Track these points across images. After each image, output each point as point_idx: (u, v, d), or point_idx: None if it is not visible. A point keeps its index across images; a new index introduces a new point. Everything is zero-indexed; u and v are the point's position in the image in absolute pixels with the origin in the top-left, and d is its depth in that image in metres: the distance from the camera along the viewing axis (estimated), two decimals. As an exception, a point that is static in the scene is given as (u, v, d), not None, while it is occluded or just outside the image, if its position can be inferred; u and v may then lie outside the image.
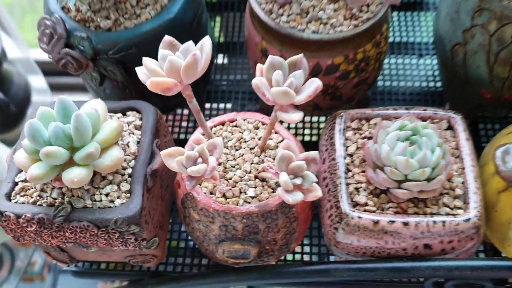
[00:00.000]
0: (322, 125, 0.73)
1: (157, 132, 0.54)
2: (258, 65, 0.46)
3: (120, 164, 0.48)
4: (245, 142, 0.52)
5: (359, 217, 0.48)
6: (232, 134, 0.53)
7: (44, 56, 0.56)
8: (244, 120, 0.54)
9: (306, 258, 0.63)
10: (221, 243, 0.51)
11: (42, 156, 0.44)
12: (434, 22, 0.67)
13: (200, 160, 0.44)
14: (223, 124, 0.54)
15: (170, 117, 0.75)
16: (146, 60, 0.45)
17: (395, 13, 0.82)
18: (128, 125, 0.53)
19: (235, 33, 0.82)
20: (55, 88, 1.31)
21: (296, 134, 0.72)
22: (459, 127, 0.53)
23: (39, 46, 0.54)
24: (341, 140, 0.53)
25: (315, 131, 0.72)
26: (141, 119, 0.54)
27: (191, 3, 0.58)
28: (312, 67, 0.57)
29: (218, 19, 0.85)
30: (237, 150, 0.52)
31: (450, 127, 0.54)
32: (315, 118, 0.73)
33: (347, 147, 0.53)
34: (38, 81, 1.23)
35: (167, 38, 0.47)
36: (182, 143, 0.70)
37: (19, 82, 1.13)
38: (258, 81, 0.44)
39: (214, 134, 0.53)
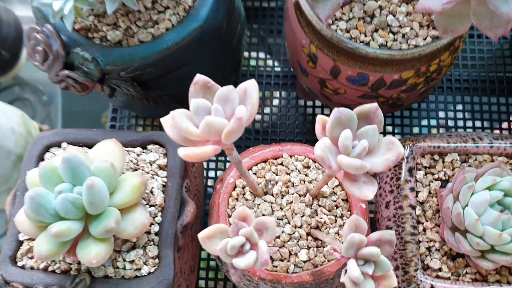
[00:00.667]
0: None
1: (186, 172, 0.44)
2: (319, 118, 0.35)
3: (146, 229, 0.39)
4: (293, 186, 0.43)
5: (432, 287, 0.40)
6: (277, 176, 0.44)
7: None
8: (291, 156, 0.44)
9: None
10: (267, 306, 0.44)
11: (51, 235, 0.36)
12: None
13: (248, 246, 0.35)
14: (265, 161, 0.44)
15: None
16: (175, 115, 0.35)
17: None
18: (151, 165, 0.44)
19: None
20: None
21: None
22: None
23: (31, 63, 0.43)
24: (410, 184, 0.43)
25: None
26: (165, 155, 0.44)
27: (229, 3, 0.45)
28: (373, 82, 0.46)
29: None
30: (283, 197, 0.43)
31: (542, 165, 0.44)
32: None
33: (417, 192, 0.44)
34: (26, 10, 1.09)
35: (199, 79, 0.36)
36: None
37: (8, 20, 0.99)
38: (322, 150, 0.34)
39: (255, 174, 0.44)
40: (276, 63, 0.65)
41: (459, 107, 0.60)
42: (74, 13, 0.38)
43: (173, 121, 0.35)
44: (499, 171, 0.40)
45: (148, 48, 0.42)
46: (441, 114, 0.60)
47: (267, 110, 0.63)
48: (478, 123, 0.59)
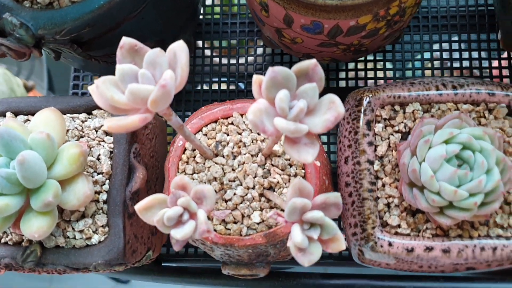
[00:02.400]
0: (341, 75, 0.59)
1: (134, 136, 0.42)
2: (255, 79, 0.33)
3: (89, 200, 0.38)
4: (245, 146, 0.41)
5: (390, 244, 0.39)
6: (228, 136, 0.42)
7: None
8: (242, 115, 0.42)
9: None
10: (225, 266, 0.43)
11: (-12, 212, 0.35)
12: None
13: (186, 216, 0.34)
14: (216, 121, 0.42)
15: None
16: (100, 84, 0.33)
17: None
18: (96, 132, 0.42)
19: None
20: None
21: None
22: (523, 114, 0.41)
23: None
24: (368, 138, 0.41)
25: (332, 84, 0.58)
26: (111, 120, 0.43)
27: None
28: (329, 30, 0.42)
29: None
30: (235, 157, 0.41)
31: (510, 112, 0.41)
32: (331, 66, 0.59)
33: (376, 146, 0.41)
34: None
35: (125, 42, 0.33)
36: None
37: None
38: (255, 114, 0.32)
39: (205, 135, 0.42)
40: (242, 10, 0.61)
41: (436, 46, 0.56)
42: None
43: (98, 90, 0.33)
44: (459, 122, 0.37)
45: (79, 9, 0.39)
46: (418, 56, 0.56)
47: (242, 60, 0.60)
48: (456, 64, 0.55)
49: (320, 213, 0.34)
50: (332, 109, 0.32)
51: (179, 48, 0.33)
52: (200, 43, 0.60)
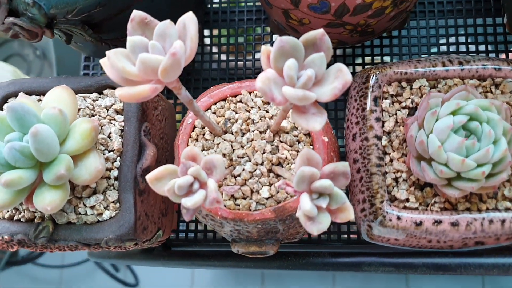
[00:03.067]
0: (348, 60, 0.59)
1: (144, 115, 0.43)
2: (263, 49, 0.34)
3: (101, 174, 0.39)
4: (253, 123, 0.42)
5: (398, 218, 0.39)
6: (236, 114, 0.42)
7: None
8: (250, 93, 0.43)
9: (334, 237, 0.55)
10: (234, 243, 0.44)
11: (3, 185, 0.36)
12: None
13: (196, 185, 0.34)
14: (224, 99, 0.43)
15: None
16: (111, 55, 0.33)
17: None
18: (107, 110, 0.43)
19: None
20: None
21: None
22: (530, 88, 0.41)
23: (-24, 11, 0.41)
24: (376, 114, 0.42)
25: None
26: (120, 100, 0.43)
27: None
28: (335, 8, 0.43)
29: None
30: (244, 134, 0.42)
31: (518, 87, 0.42)
32: (338, 51, 0.60)
33: (384, 122, 0.42)
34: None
35: (136, 15, 0.34)
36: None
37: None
38: (263, 82, 0.32)
39: (214, 114, 0.43)
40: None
41: (442, 31, 0.56)
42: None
43: (109, 62, 0.34)
44: (465, 94, 0.38)
45: (87, -11, 0.40)
46: (424, 40, 0.57)
47: (249, 56, 0.61)
48: (463, 48, 0.56)
49: (329, 181, 0.34)
50: (340, 77, 0.33)
51: (188, 19, 0.33)
52: (206, 32, 0.61)
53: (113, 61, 0.33)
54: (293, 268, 0.46)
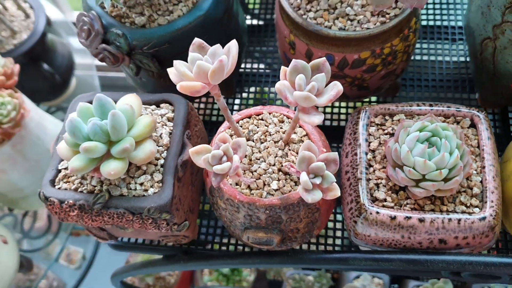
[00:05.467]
0: (350, 111, 0.74)
1: (188, 124, 0.57)
2: (283, 68, 0.48)
3: (153, 157, 0.52)
4: (270, 135, 0.55)
5: (377, 212, 0.50)
6: (258, 127, 0.55)
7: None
8: (270, 113, 0.56)
9: (330, 242, 0.66)
10: (246, 230, 0.54)
11: (82, 150, 0.49)
12: (466, 12, 0.66)
13: (225, 158, 0.47)
14: (249, 117, 0.57)
15: (203, 99, 0.78)
16: (176, 63, 0.48)
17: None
18: (161, 117, 0.57)
19: (268, 14, 0.83)
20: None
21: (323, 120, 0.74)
22: (481, 126, 0.54)
23: (78, 40, 0.58)
24: (364, 136, 0.54)
25: (343, 117, 0.73)
26: (173, 111, 0.58)
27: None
28: (338, 61, 0.58)
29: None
30: (262, 143, 0.54)
31: (473, 125, 0.55)
32: (343, 104, 0.75)
33: (370, 142, 0.54)
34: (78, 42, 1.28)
35: (196, 40, 0.49)
36: (213, 125, 0.73)
37: (63, 52, 1.18)
38: (280, 85, 0.46)
39: (241, 126, 0.56)
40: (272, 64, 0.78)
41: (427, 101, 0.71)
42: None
43: (175, 67, 0.48)
44: (430, 119, 0.51)
45: (164, 29, 0.56)
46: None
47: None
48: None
49: (322, 163, 0.46)
50: (334, 88, 0.46)
51: (232, 44, 0.48)
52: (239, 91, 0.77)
53: (177, 67, 0.48)
54: (291, 262, 0.55)
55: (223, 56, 0.46)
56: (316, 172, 0.47)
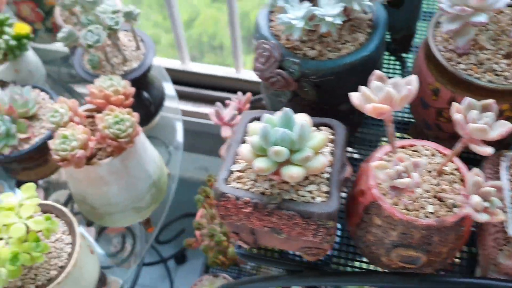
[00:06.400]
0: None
1: (346, 146, 0.63)
2: (454, 105, 0.55)
3: (325, 168, 0.58)
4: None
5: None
6: (411, 157, 0.62)
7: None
8: (422, 146, 0.63)
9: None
10: (396, 248, 0.59)
11: (271, 153, 0.55)
12: None
13: (405, 175, 0.53)
14: (403, 147, 0.63)
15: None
16: (363, 88, 0.56)
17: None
18: (323, 139, 0.64)
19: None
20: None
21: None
22: None
23: (254, 64, 0.66)
24: (506, 176, 0.61)
25: None
26: (332, 134, 0.64)
27: (382, 43, 0.68)
28: (479, 110, 0.65)
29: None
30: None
31: None
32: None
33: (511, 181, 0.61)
34: (167, 87, 1.37)
35: (377, 73, 0.57)
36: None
37: (159, 87, 1.27)
38: (458, 113, 0.53)
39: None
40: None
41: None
42: (302, 28, 0.61)
43: (361, 92, 0.56)
44: None
45: (334, 62, 0.64)
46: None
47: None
48: None
49: (493, 189, 0.52)
50: (504, 126, 0.53)
51: (413, 77, 0.56)
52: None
53: (364, 92, 0.55)
54: (431, 285, 0.60)
55: (413, 87, 0.54)
56: (485, 197, 0.53)
